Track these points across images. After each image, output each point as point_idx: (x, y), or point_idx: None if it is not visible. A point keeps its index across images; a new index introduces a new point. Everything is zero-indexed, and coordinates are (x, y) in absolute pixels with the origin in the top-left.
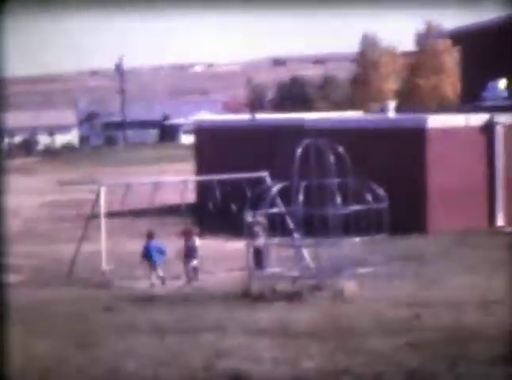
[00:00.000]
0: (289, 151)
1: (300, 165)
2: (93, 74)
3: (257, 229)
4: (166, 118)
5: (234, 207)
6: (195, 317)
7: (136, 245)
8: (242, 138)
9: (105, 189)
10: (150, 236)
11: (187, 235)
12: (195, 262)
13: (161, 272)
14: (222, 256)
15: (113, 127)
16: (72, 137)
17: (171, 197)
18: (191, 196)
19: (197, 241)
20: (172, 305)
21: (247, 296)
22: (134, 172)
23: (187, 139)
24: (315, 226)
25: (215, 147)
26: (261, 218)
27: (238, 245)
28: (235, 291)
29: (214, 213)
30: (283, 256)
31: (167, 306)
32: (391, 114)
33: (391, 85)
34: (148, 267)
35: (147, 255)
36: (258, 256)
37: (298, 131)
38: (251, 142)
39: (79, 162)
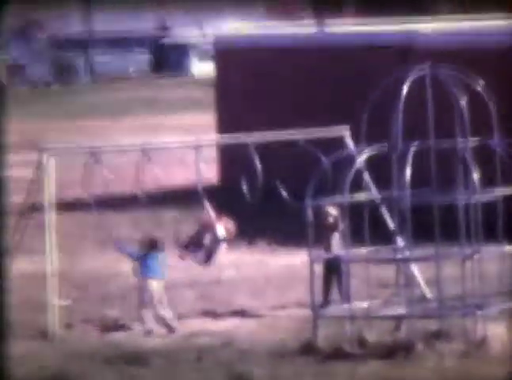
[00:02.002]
0: (387, 90)
1: (407, 114)
2: None
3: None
4: (164, 31)
5: (285, 190)
6: None
7: (110, 261)
8: (300, 66)
9: (53, 160)
10: (152, 245)
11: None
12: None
13: (163, 310)
14: (264, 280)
15: (70, 47)
16: None
17: (174, 174)
18: (210, 172)
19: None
20: (176, 368)
21: (312, 351)
22: (106, 130)
23: (202, 70)
24: (433, 225)
25: (253, 83)
26: (335, 211)
27: (293, 260)
28: (291, 343)
29: (251, 201)
30: (377, 279)
31: (168, 371)
32: None
33: None
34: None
35: (142, 271)
36: (333, 279)
37: (402, 53)
38: (318, 74)
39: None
